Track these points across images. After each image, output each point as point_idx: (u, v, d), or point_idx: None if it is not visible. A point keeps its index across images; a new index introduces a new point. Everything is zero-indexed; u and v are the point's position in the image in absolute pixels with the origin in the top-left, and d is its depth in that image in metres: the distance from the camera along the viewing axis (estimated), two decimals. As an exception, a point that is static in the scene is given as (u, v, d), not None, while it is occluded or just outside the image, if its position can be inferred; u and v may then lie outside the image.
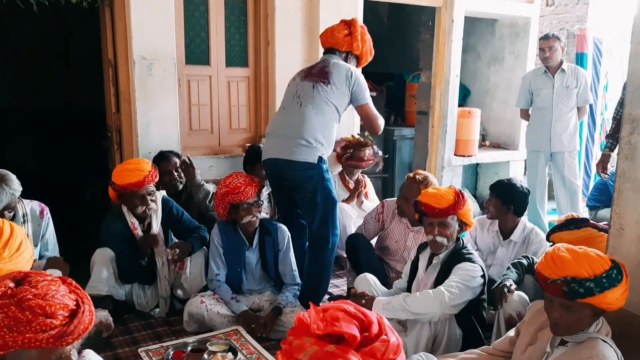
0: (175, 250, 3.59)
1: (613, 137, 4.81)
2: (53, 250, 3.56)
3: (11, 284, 1.44)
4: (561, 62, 5.20)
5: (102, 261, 3.59)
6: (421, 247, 3.25)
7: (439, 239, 2.98)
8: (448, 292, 2.78)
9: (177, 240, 3.82)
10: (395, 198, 4.02)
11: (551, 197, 5.65)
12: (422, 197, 3.05)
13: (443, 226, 2.97)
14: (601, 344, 2.03)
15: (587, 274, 1.99)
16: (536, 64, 6.27)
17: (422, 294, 2.86)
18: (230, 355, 2.82)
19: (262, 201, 3.76)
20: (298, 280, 3.70)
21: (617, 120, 4.75)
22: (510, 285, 2.96)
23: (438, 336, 2.90)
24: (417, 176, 3.76)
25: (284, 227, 3.72)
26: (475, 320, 2.96)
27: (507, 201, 3.63)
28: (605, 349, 2.01)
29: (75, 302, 1.50)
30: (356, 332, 1.23)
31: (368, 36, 3.87)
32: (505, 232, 3.72)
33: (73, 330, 1.46)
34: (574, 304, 2.02)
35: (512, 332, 2.47)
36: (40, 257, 3.47)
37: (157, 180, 3.67)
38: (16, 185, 3.19)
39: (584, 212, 5.86)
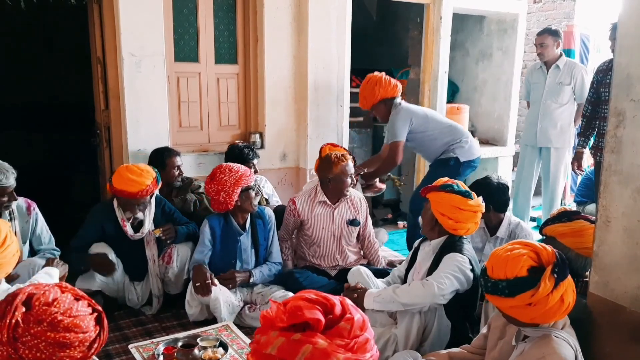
0: (160, 230, 3.68)
1: (584, 135, 4.87)
2: (49, 243, 3.55)
3: (23, 309, 1.38)
4: (558, 58, 5.22)
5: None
6: (424, 239, 3.30)
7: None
8: (437, 282, 2.83)
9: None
10: (304, 190, 4.36)
11: (538, 192, 5.71)
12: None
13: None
14: (554, 341, 2.01)
15: (489, 272, 2.07)
16: (524, 60, 6.33)
17: (411, 286, 2.92)
18: (221, 350, 2.82)
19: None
20: (280, 259, 3.90)
21: (587, 117, 4.80)
22: None
23: (428, 326, 2.94)
24: (332, 156, 4.01)
25: (269, 209, 3.99)
26: (466, 313, 3.01)
27: (486, 201, 3.63)
28: (559, 346, 1.99)
29: (91, 308, 1.49)
30: (320, 316, 1.25)
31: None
32: (492, 229, 3.74)
33: (105, 335, 1.48)
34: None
35: (485, 329, 2.48)
36: (38, 251, 3.48)
37: (157, 190, 3.68)
38: (12, 169, 3.20)
39: (570, 208, 5.92)
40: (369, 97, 4.65)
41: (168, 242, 3.72)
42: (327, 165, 3.99)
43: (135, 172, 3.55)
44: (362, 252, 4.26)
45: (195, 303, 3.53)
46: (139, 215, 3.65)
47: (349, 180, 3.99)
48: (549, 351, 1.98)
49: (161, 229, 3.68)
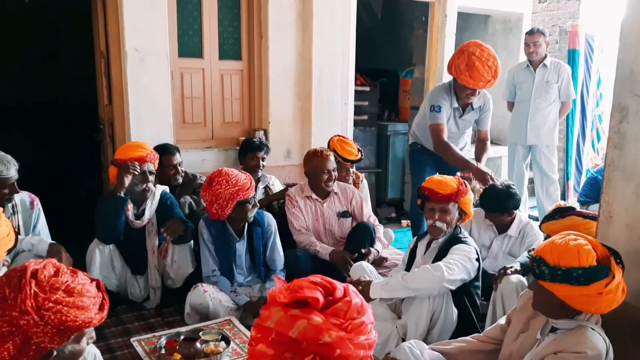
0: (168, 230, 3.59)
1: None
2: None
3: (34, 281, 1.43)
4: (544, 57, 5.28)
5: (98, 251, 3.59)
6: (420, 236, 3.33)
7: (438, 224, 3.08)
8: (446, 266, 2.85)
9: None
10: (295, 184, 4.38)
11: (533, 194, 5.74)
12: (427, 183, 3.15)
13: (444, 212, 3.07)
14: (590, 332, 2.06)
15: (554, 261, 1.99)
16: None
17: (420, 270, 2.93)
18: (223, 344, 2.83)
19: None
20: (282, 265, 3.78)
21: None
22: (511, 267, 3.04)
23: (435, 313, 2.94)
24: (311, 151, 4.17)
25: (270, 215, 3.83)
26: (468, 304, 3.02)
27: (496, 209, 3.64)
28: (593, 336, 2.04)
29: (88, 278, 1.56)
30: (319, 296, 1.30)
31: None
32: (500, 227, 3.72)
33: (108, 301, 1.56)
34: (538, 285, 2.06)
35: (503, 320, 2.48)
36: None
37: (157, 163, 3.73)
38: (14, 161, 3.18)
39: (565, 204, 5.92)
40: (496, 76, 4.39)
41: (173, 239, 3.64)
42: (306, 159, 4.11)
43: (136, 142, 3.87)
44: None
45: (194, 314, 3.45)
46: (151, 186, 3.67)
47: (326, 175, 4.02)
48: (584, 340, 2.03)
49: (169, 231, 3.59)
